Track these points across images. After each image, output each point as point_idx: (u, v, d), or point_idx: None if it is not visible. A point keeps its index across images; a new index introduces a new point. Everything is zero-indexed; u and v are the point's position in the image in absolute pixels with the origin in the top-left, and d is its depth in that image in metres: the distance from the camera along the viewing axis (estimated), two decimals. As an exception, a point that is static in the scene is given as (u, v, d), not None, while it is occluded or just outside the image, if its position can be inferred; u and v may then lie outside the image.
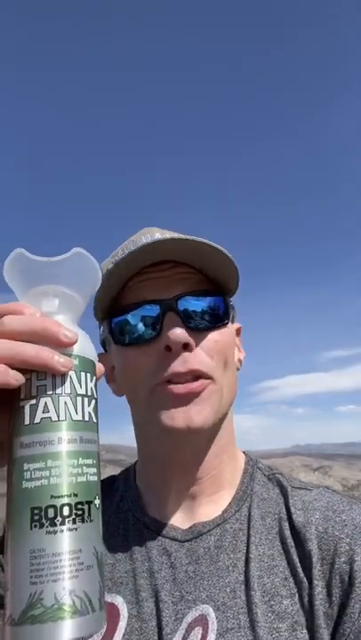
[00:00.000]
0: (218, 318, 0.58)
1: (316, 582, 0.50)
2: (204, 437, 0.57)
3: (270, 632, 0.48)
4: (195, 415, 0.53)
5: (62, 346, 0.35)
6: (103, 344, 0.65)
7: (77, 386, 0.35)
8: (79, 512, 0.32)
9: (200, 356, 0.55)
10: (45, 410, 0.34)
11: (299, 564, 0.52)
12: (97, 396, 0.37)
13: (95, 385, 0.38)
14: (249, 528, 0.56)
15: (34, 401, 0.34)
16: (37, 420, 0.33)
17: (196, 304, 0.56)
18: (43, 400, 0.34)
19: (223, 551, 0.55)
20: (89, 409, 0.36)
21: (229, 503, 0.59)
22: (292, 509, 0.56)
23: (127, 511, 0.61)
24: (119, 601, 0.52)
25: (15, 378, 0.33)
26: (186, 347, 0.54)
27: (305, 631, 0.48)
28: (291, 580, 0.51)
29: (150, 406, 0.56)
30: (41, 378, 0.35)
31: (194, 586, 0.52)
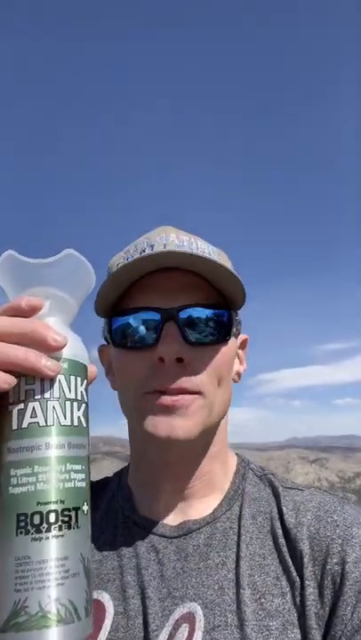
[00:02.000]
0: (219, 334, 0.56)
1: (307, 582, 0.50)
2: (189, 447, 0.56)
3: (260, 630, 0.48)
4: (178, 428, 0.52)
5: (50, 350, 0.34)
6: (104, 338, 0.64)
7: (67, 390, 0.35)
8: (66, 519, 0.31)
9: (192, 374, 0.54)
10: (33, 414, 0.33)
11: (291, 564, 0.52)
12: (87, 399, 0.37)
13: (86, 389, 0.37)
14: (240, 527, 0.56)
15: (22, 405, 0.33)
16: (25, 424, 0.33)
17: (199, 317, 0.55)
18: (31, 405, 0.33)
19: (213, 549, 0.55)
20: (78, 413, 0.35)
21: (220, 502, 0.59)
22: (284, 509, 0.56)
23: (117, 509, 0.62)
24: (105, 598, 0.52)
25: (5, 380, 0.33)
26: (180, 361, 0.53)
27: (296, 630, 0.48)
28: (282, 579, 0.51)
29: (138, 411, 0.56)
30: (30, 382, 0.34)
31: (181, 583, 0.52)
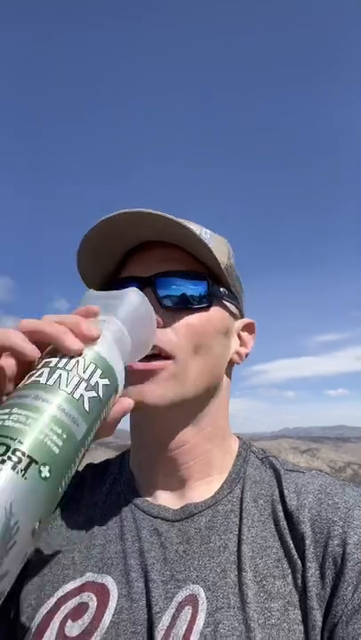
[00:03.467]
0: (195, 300, 0.57)
1: (309, 564, 0.50)
2: (167, 416, 0.56)
3: (262, 611, 0.48)
4: (147, 392, 0.53)
5: (81, 335, 0.37)
6: None
7: (82, 371, 0.36)
8: (15, 459, 0.29)
9: (165, 335, 0.54)
10: (40, 375, 0.35)
11: (292, 546, 0.52)
12: (103, 395, 0.37)
13: (107, 391, 0.37)
14: (241, 510, 0.56)
15: (35, 371, 0.35)
16: (29, 381, 0.35)
17: (175, 283, 0.56)
18: (43, 369, 0.35)
19: (215, 532, 0.55)
20: (85, 393, 0.35)
21: (221, 485, 0.59)
22: (286, 492, 0.56)
23: (119, 493, 0.62)
24: (109, 581, 0.53)
25: (31, 349, 0.36)
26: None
27: (297, 611, 0.49)
28: (284, 561, 0.52)
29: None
30: (52, 356, 0.36)
31: (184, 565, 0.53)
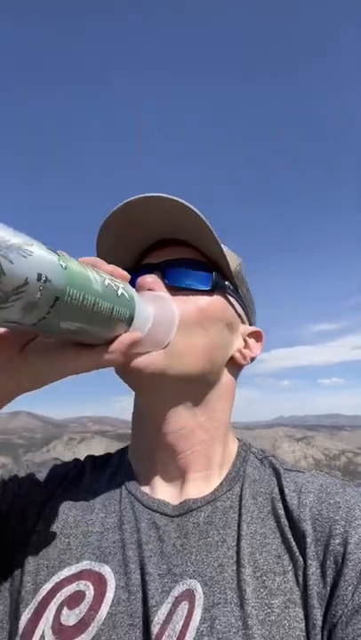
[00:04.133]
0: (198, 283, 0.59)
1: (310, 562, 0.50)
2: (162, 393, 0.57)
3: (262, 608, 0.48)
4: (139, 359, 0.54)
5: (122, 275, 0.46)
6: None
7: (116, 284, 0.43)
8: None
9: None
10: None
11: (293, 543, 0.52)
12: (120, 307, 0.43)
13: (124, 304, 0.44)
14: (240, 506, 0.56)
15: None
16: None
17: (182, 267, 0.59)
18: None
19: (213, 527, 0.55)
20: (119, 288, 0.43)
21: (221, 483, 0.59)
22: (286, 491, 0.56)
23: (120, 484, 0.61)
24: (107, 571, 0.52)
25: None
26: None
27: (298, 609, 0.48)
28: (284, 557, 0.51)
29: None
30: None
31: (181, 559, 0.52)
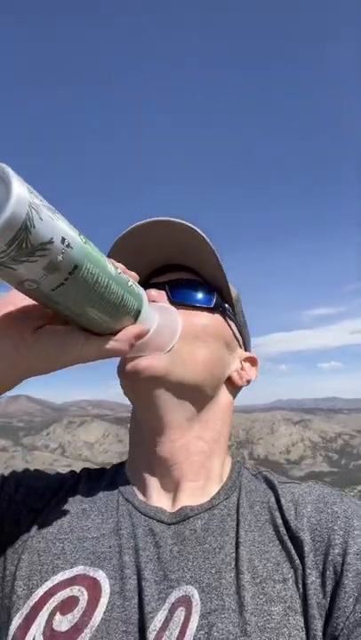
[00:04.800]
0: (201, 301, 0.62)
1: (309, 571, 0.50)
2: (161, 399, 0.58)
3: (261, 615, 0.47)
4: (140, 361, 0.55)
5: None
6: None
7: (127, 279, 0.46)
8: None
9: None
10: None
11: (293, 551, 0.52)
12: (126, 297, 0.45)
13: (131, 296, 0.46)
14: (238, 514, 0.56)
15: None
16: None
17: (185, 287, 0.62)
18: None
19: (210, 534, 0.55)
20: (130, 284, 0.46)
21: (218, 492, 0.60)
22: (283, 501, 0.57)
23: (116, 492, 0.62)
24: (101, 575, 0.51)
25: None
26: None
27: (298, 617, 0.47)
28: (284, 565, 0.51)
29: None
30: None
31: (178, 566, 0.52)
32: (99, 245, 0.42)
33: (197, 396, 0.61)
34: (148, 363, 0.55)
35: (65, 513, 0.58)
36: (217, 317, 0.64)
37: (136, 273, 0.56)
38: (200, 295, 0.62)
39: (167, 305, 0.58)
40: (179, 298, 0.61)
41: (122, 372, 0.57)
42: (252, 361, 0.70)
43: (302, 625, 0.47)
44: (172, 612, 0.48)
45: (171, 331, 0.55)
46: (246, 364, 0.69)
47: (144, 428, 0.62)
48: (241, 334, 0.70)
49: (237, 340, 0.68)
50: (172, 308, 0.58)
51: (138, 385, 0.57)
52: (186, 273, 0.64)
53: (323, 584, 0.49)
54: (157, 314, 0.53)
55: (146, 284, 0.64)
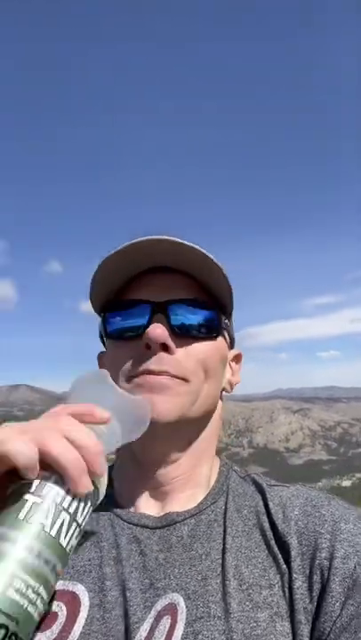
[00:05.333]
0: (206, 330, 0.59)
1: (295, 576, 0.50)
2: (169, 431, 0.56)
3: (248, 621, 0.47)
4: (158, 403, 0.53)
5: (91, 472, 0.38)
6: (101, 337, 0.66)
7: (79, 512, 0.37)
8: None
9: (177, 360, 0.56)
10: (44, 517, 0.34)
11: (280, 557, 0.52)
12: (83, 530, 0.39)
13: (89, 515, 0.39)
14: (225, 520, 0.56)
15: (34, 498, 0.35)
16: (20, 515, 0.34)
17: (187, 311, 0.58)
18: (48, 506, 0.35)
19: (197, 540, 0.54)
20: (73, 541, 0.36)
21: (205, 497, 0.60)
22: (271, 504, 0.57)
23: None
24: (80, 589, 0.51)
25: (33, 468, 0.36)
26: (165, 348, 0.55)
27: (285, 623, 0.47)
28: (270, 571, 0.51)
29: None
30: (54, 482, 0.36)
31: (164, 573, 0.51)
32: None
33: (199, 424, 0.61)
34: (163, 405, 0.54)
35: None
36: (220, 341, 0.62)
37: (119, 277, 0.56)
38: (204, 320, 0.59)
39: (135, 399, 0.51)
40: (181, 328, 0.57)
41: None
42: (238, 358, 0.69)
43: (289, 630, 0.47)
44: (157, 620, 0.48)
45: (134, 425, 0.48)
46: (235, 366, 0.69)
47: (137, 451, 0.60)
48: (231, 334, 0.67)
49: (228, 345, 0.66)
50: (142, 402, 0.51)
51: (153, 431, 0.53)
52: (178, 278, 0.59)
53: (310, 588, 0.49)
54: (119, 421, 0.46)
55: (127, 293, 0.60)
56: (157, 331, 0.54)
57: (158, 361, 0.55)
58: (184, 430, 0.58)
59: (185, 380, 0.56)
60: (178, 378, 0.55)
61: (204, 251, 0.55)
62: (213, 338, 0.60)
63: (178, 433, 0.58)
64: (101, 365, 0.67)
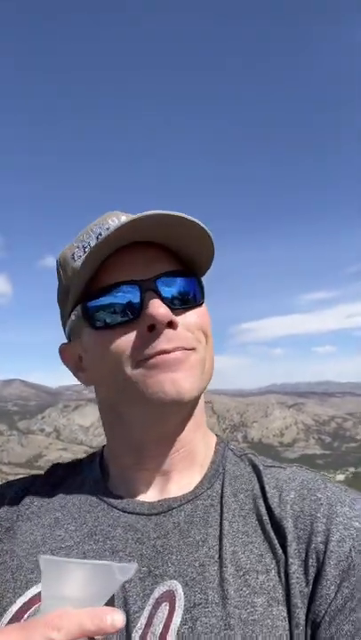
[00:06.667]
0: (195, 298, 0.59)
1: (291, 560, 0.50)
2: (188, 407, 0.57)
3: (244, 607, 0.47)
4: (182, 380, 0.53)
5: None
6: (69, 334, 0.64)
7: None
8: None
9: (183, 333, 0.56)
10: None
11: (276, 541, 0.52)
12: None
13: None
14: (222, 505, 0.56)
15: None
16: None
17: (174, 284, 0.57)
18: None
19: (194, 526, 0.54)
20: None
21: (201, 480, 0.59)
22: (267, 487, 0.56)
23: (91, 492, 0.61)
24: None
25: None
26: (170, 325, 0.55)
27: (281, 608, 0.48)
28: (267, 555, 0.51)
29: (136, 380, 0.54)
30: None
31: (162, 560, 0.51)
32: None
33: (204, 390, 0.60)
34: (186, 382, 0.54)
35: (37, 525, 0.58)
36: (204, 305, 0.62)
37: (95, 260, 0.54)
38: (191, 289, 0.59)
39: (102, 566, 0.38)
40: (173, 301, 0.57)
41: (156, 395, 0.53)
42: None
43: (285, 615, 0.47)
44: (155, 607, 0.48)
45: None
46: None
47: (136, 430, 0.59)
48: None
49: None
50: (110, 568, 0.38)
51: (172, 407, 0.54)
52: (153, 250, 0.58)
53: (305, 572, 0.49)
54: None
55: (104, 276, 0.57)
56: (161, 310, 0.53)
57: (168, 339, 0.54)
58: (194, 401, 0.58)
59: (194, 349, 0.57)
60: (187, 349, 0.56)
61: (175, 213, 0.52)
62: (201, 304, 0.60)
63: (191, 403, 0.57)
64: (69, 359, 0.65)
